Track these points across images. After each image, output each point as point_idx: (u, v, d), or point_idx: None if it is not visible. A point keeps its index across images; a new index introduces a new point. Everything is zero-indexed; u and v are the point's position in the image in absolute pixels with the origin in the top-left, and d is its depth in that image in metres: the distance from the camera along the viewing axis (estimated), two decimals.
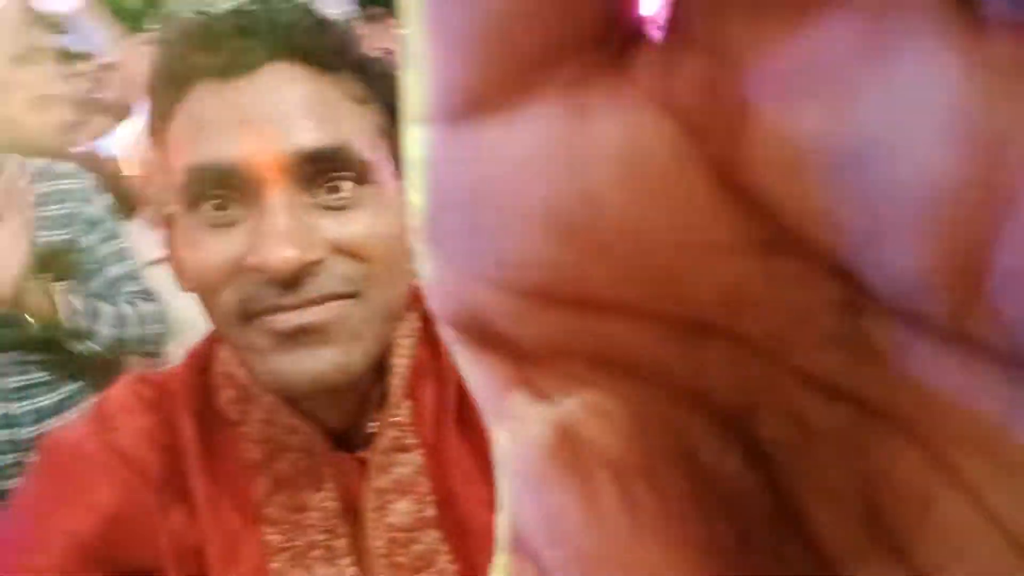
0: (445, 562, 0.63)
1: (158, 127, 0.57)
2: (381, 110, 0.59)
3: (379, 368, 0.62)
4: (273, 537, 0.62)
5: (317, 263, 0.53)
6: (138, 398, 0.64)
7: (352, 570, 0.63)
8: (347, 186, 0.55)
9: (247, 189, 0.53)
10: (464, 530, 0.64)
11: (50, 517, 0.58)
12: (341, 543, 0.63)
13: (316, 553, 0.62)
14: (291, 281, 0.52)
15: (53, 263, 1.40)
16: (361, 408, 0.63)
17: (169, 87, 0.56)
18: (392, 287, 0.58)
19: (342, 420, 0.62)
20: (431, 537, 0.64)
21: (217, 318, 0.56)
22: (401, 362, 0.64)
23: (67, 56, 1.90)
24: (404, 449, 0.64)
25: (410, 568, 0.63)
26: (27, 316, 1.32)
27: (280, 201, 0.52)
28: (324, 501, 0.63)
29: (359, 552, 0.63)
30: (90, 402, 0.67)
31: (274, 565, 0.62)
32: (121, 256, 1.50)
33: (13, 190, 1.35)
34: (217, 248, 0.54)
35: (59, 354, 1.41)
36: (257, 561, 0.61)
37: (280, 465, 0.63)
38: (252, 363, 0.56)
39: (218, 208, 0.54)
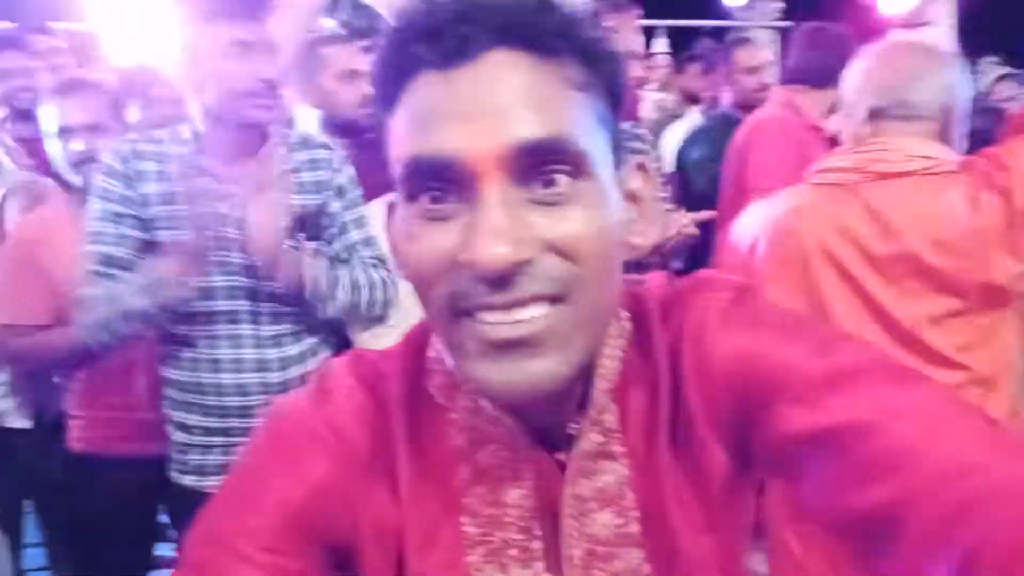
0: None
1: (384, 117, 0.58)
2: (602, 95, 0.57)
3: (585, 367, 0.60)
4: (470, 529, 0.62)
5: (528, 262, 0.52)
6: (356, 377, 0.65)
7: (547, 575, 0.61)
8: (563, 180, 0.53)
9: (463, 182, 0.52)
10: (671, 553, 0.61)
11: (267, 483, 0.61)
12: (537, 546, 0.62)
13: (512, 553, 0.62)
14: (501, 279, 0.51)
15: (305, 224, 1.57)
16: (563, 407, 0.61)
17: (393, 77, 0.56)
18: (602, 289, 0.56)
19: (544, 418, 0.61)
20: (633, 556, 0.62)
21: (430, 310, 0.56)
22: (608, 363, 0.62)
23: (360, 33, 2.13)
24: (608, 456, 0.62)
25: None
26: (280, 278, 1.48)
27: (495, 196, 0.52)
28: (522, 499, 0.62)
29: (555, 558, 0.62)
30: (314, 375, 0.68)
31: (469, 558, 0.61)
32: (360, 223, 1.66)
33: (279, 163, 1.54)
34: (432, 241, 0.54)
35: (306, 308, 1.58)
36: (453, 551, 0.61)
37: (482, 456, 0.63)
38: (460, 364, 0.56)
39: (435, 200, 0.54)
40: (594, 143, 0.55)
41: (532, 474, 0.62)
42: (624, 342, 0.64)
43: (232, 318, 1.57)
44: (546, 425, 0.62)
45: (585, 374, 0.61)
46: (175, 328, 1.58)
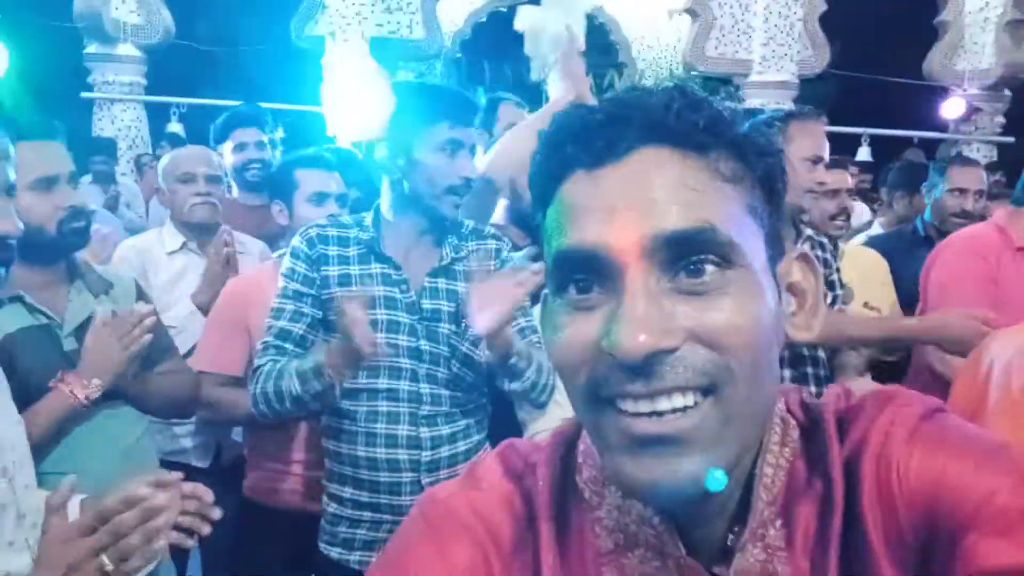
0: None
1: (539, 217, 0.60)
2: (755, 188, 0.57)
3: (745, 473, 0.58)
4: None
5: (671, 351, 0.51)
6: (505, 465, 0.66)
7: None
8: (710, 269, 0.52)
9: (608, 273, 0.53)
10: None
11: (413, 565, 0.62)
12: None
13: None
14: (642, 367, 0.50)
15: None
16: (718, 515, 0.58)
17: (547, 178, 0.58)
18: (754, 383, 0.53)
19: (698, 526, 0.59)
20: None
21: (574, 400, 0.56)
22: (770, 472, 0.59)
23: None
24: (771, 575, 0.58)
25: None
26: (494, 349, 1.56)
27: (638, 285, 0.52)
28: None
29: None
30: (469, 462, 0.70)
31: None
32: (525, 311, 1.72)
33: (451, 252, 1.68)
34: (577, 330, 0.54)
35: (462, 391, 1.68)
36: None
37: (629, 561, 0.60)
38: (605, 457, 0.56)
39: (581, 291, 0.55)
40: (744, 234, 0.54)
41: None
42: (791, 452, 0.61)
43: (393, 396, 1.64)
44: (701, 534, 0.59)
45: (745, 481, 0.58)
46: (339, 401, 1.66)
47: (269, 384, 1.60)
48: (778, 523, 0.59)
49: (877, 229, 3.60)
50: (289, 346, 1.64)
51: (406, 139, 1.65)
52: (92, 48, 6.89)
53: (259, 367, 1.64)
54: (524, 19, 2.16)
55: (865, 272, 2.74)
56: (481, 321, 1.52)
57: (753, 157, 0.57)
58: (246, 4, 8.16)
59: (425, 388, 1.65)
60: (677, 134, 0.54)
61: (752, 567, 0.58)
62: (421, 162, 1.63)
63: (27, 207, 1.55)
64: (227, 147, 2.91)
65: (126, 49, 7.00)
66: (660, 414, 0.51)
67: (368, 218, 1.74)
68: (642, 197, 0.53)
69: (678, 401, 0.51)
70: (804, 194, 2.16)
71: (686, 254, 0.52)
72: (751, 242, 0.55)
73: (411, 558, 0.62)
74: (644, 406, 0.51)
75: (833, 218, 2.74)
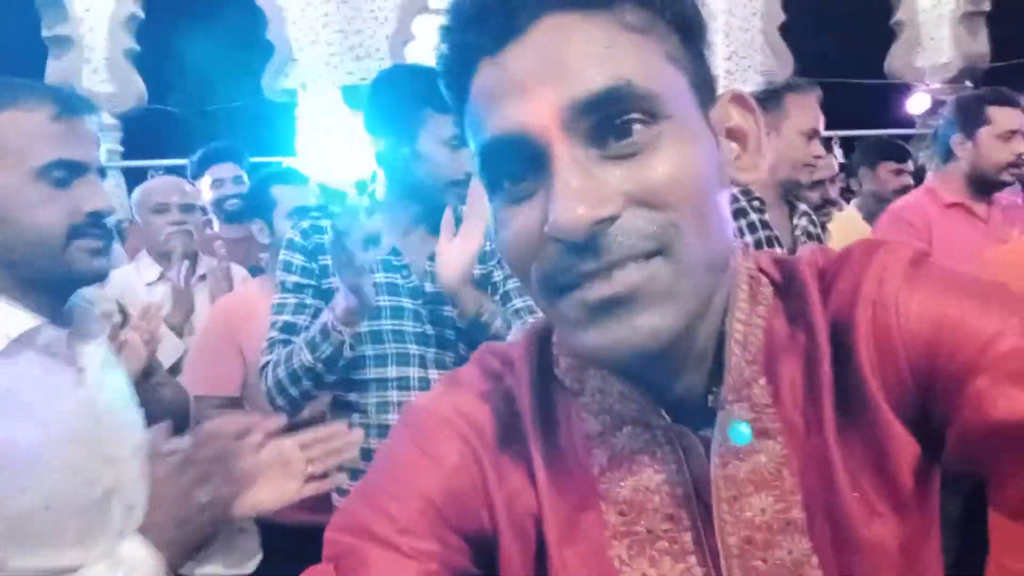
0: None
1: (460, 117, 0.57)
2: (670, 33, 0.54)
3: (716, 332, 0.57)
4: (611, 517, 0.58)
5: (612, 220, 0.49)
6: (482, 367, 0.66)
7: (701, 571, 0.56)
8: (637, 128, 0.50)
9: (535, 156, 0.51)
10: (843, 541, 0.55)
11: (403, 471, 0.61)
12: (687, 537, 0.57)
13: (660, 545, 0.57)
14: (587, 244, 0.49)
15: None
16: (698, 376, 0.58)
17: (455, 75, 0.56)
18: (704, 234, 0.52)
19: (676, 387, 0.58)
20: (798, 545, 0.56)
21: (531, 292, 0.55)
22: (742, 329, 0.58)
23: None
24: (762, 434, 0.57)
25: None
26: (460, 311, 1.57)
27: (566, 160, 0.50)
28: (665, 483, 0.58)
29: (709, 548, 0.57)
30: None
31: (613, 550, 0.58)
32: (521, 292, 1.71)
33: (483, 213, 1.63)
34: (517, 224, 0.53)
35: (471, 337, 1.66)
36: (596, 542, 0.58)
37: (618, 439, 0.60)
38: (567, 336, 0.55)
39: (514, 183, 0.53)
40: (666, 83, 0.52)
41: (674, 455, 0.58)
42: (765, 310, 0.59)
43: (403, 384, 1.63)
44: (683, 400, 0.58)
45: (717, 339, 0.57)
46: (347, 396, 1.65)
47: (280, 370, 1.57)
48: (762, 380, 0.58)
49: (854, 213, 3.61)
50: (295, 339, 1.62)
51: (410, 129, 1.62)
52: None
53: (267, 362, 1.62)
54: None
55: (850, 236, 2.77)
56: (449, 275, 1.51)
57: (660, 2, 0.54)
58: (217, 64, 8.27)
59: (434, 374, 1.64)
60: None
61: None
62: (425, 155, 1.61)
63: None
64: (204, 183, 2.93)
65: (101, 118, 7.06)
66: (614, 278, 0.50)
67: (364, 201, 1.74)
68: (551, 68, 0.50)
69: (633, 275, 0.50)
70: (801, 167, 2.13)
71: (608, 116, 0.50)
72: (675, 91, 0.53)
73: (400, 465, 0.61)
74: (601, 288, 0.51)
75: (817, 209, 2.72)
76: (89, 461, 1.08)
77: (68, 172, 1.04)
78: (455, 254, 1.52)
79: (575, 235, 0.48)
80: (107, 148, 7.12)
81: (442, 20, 0.56)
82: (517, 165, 0.52)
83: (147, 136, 7.44)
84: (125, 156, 7.28)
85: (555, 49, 0.51)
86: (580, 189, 0.49)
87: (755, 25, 7.55)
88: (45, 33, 6.63)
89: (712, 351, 0.58)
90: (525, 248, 0.53)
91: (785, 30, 7.48)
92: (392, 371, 1.63)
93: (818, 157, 2.17)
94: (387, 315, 1.62)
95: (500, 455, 0.61)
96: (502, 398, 0.64)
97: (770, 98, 2.15)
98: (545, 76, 0.50)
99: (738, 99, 0.59)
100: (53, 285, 1.07)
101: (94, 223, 1.06)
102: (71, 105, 1.07)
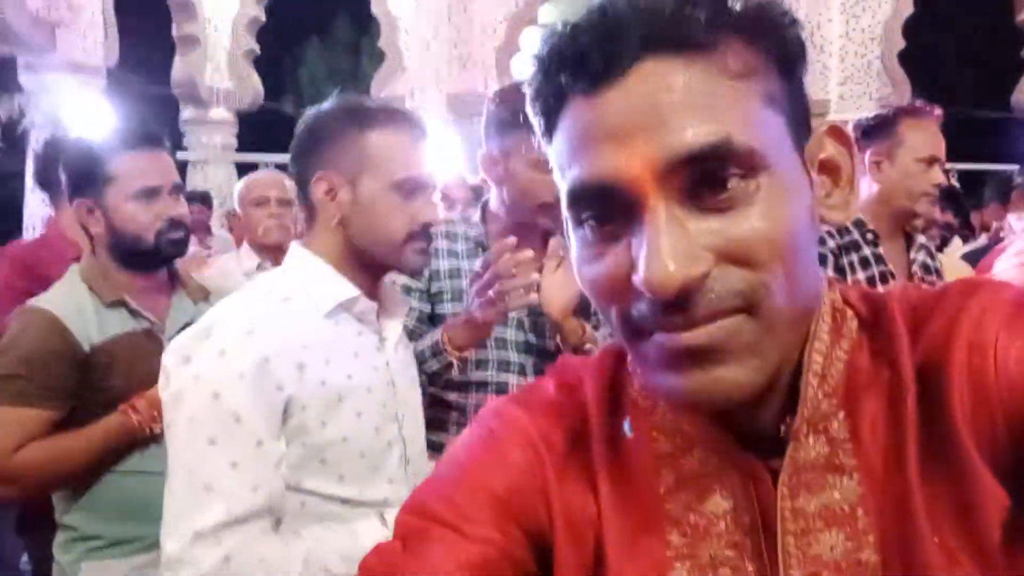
0: None
1: (547, 149, 0.57)
2: (769, 71, 0.52)
3: (794, 365, 0.55)
4: (674, 539, 0.57)
5: (703, 278, 0.48)
6: (557, 380, 0.66)
7: None
8: (733, 182, 0.49)
9: (626, 203, 0.50)
10: None
11: (472, 468, 0.62)
12: (751, 568, 0.55)
13: (723, 573, 0.56)
14: (676, 301, 0.48)
15: (578, 311, 1.66)
16: (771, 409, 0.56)
17: (544, 108, 0.55)
18: (793, 291, 0.50)
19: (751, 420, 0.56)
20: None
21: (612, 326, 0.54)
22: (819, 359, 0.56)
23: None
24: (836, 470, 0.55)
25: None
26: (562, 337, 1.63)
27: (658, 214, 0.48)
28: (732, 511, 0.56)
29: None
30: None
31: (675, 574, 0.56)
32: None
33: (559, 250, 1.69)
34: (603, 265, 0.52)
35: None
36: (658, 562, 0.57)
37: (686, 461, 0.59)
38: (645, 375, 0.54)
39: (601, 224, 0.52)
40: (765, 133, 0.50)
41: (742, 482, 0.57)
42: (849, 344, 0.57)
43: (503, 390, 1.64)
44: (755, 429, 0.57)
45: (794, 371, 0.55)
46: (447, 395, 1.66)
47: None
48: (840, 415, 0.56)
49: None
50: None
51: (504, 148, 1.64)
52: (187, 112, 7.31)
53: None
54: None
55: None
56: (553, 307, 1.53)
57: (766, 39, 0.51)
58: (329, 69, 8.55)
59: (518, 358, 1.65)
60: (678, 38, 0.49)
61: (816, 460, 0.55)
62: (516, 175, 1.62)
63: (129, 215, 1.63)
64: None
65: (218, 113, 7.41)
66: (701, 332, 0.49)
67: (476, 215, 1.76)
68: (649, 118, 0.48)
69: (718, 330, 0.49)
70: (919, 197, 1.99)
71: (705, 171, 0.48)
72: (773, 139, 0.50)
73: (469, 460, 0.63)
74: (684, 339, 0.49)
75: (925, 230, 2.62)
76: (379, 413, 1.27)
77: (414, 187, 1.25)
78: (557, 288, 1.54)
79: (665, 294, 0.47)
80: (222, 142, 7.47)
81: (538, 47, 0.55)
82: (606, 209, 0.51)
83: (259, 132, 7.77)
84: (238, 150, 7.61)
85: (654, 97, 0.49)
86: (672, 246, 0.47)
87: (872, 51, 7.31)
88: (175, 32, 7.01)
89: (788, 382, 0.56)
90: (609, 291, 0.52)
91: (904, 57, 7.21)
92: (492, 376, 1.64)
93: (937, 186, 2.02)
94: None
95: (565, 464, 0.61)
96: (574, 410, 0.64)
97: (883, 124, 2.03)
98: (643, 125, 0.49)
99: (834, 132, 0.57)
100: (380, 270, 1.30)
101: (425, 231, 1.28)
102: (424, 131, 1.29)
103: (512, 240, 1.44)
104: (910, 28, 7.22)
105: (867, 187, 2.06)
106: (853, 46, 7.26)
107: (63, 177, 1.72)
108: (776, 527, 0.55)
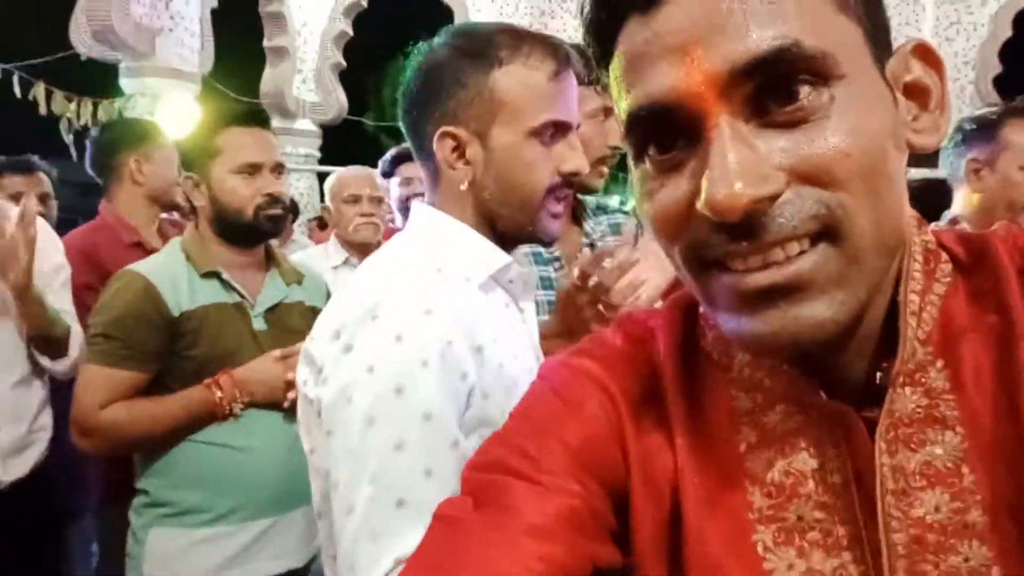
0: None
1: (603, 75, 0.53)
2: None
3: (887, 304, 0.52)
4: (757, 499, 0.54)
5: (774, 198, 0.44)
6: (624, 332, 0.63)
7: (857, 570, 0.51)
8: (804, 91, 0.45)
9: (688, 124, 0.46)
10: None
11: (546, 421, 0.58)
12: (843, 531, 0.52)
13: (812, 536, 0.52)
14: (744, 225, 0.44)
15: None
16: (862, 353, 0.52)
17: (601, 35, 0.52)
18: (877, 212, 0.46)
19: (840, 366, 0.53)
20: (976, 552, 0.49)
21: (677, 265, 0.51)
22: (916, 299, 0.52)
23: None
24: (938, 423, 0.51)
25: None
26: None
27: (724, 130, 0.45)
28: (822, 469, 0.53)
29: (868, 545, 0.51)
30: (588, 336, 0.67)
31: (758, 536, 0.53)
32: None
33: (589, 230, 1.58)
34: (666, 195, 0.49)
35: None
36: (739, 523, 0.53)
37: (769, 418, 0.55)
38: (717, 318, 0.50)
39: (662, 151, 0.48)
40: (839, 39, 0.46)
41: (832, 438, 0.52)
42: (943, 288, 0.53)
43: None
44: (845, 376, 0.52)
45: (888, 311, 0.51)
46: None
47: None
48: (939, 363, 0.51)
49: None
50: None
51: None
52: (274, 122, 7.53)
53: None
54: None
55: None
56: (649, 294, 1.39)
57: None
58: None
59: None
60: None
61: (914, 413, 0.51)
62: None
63: (230, 190, 1.68)
64: (394, 182, 3.08)
65: (303, 124, 7.63)
66: (773, 264, 0.46)
67: None
68: (707, 27, 0.45)
69: (793, 248, 0.45)
70: (1021, 210, 1.82)
71: (773, 80, 0.45)
72: (848, 46, 0.46)
73: (539, 412, 0.59)
74: (755, 261, 0.46)
75: None
76: None
77: (556, 132, 1.04)
78: (651, 277, 1.38)
79: (732, 215, 0.44)
80: (306, 152, 7.68)
81: None
82: (667, 133, 0.48)
83: (341, 145, 7.96)
84: (320, 161, 7.81)
85: (712, 6, 0.45)
86: (739, 164, 0.44)
87: (966, 75, 7.06)
88: (265, 43, 7.27)
89: (881, 324, 0.52)
90: (674, 222, 0.49)
91: (1000, 83, 6.94)
92: None
93: None
94: (542, 311, 1.53)
95: (640, 414, 0.58)
96: (644, 362, 0.60)
97: (985, 127, 1.86)
98: (701, 36, 0.45)
99: (921, 51, 0.52)
100: (517, 241, 1.11)
101: (567, 183, 1.07)
102: (564, 59, 1.05)
103: (612, 247, 1.32)
104: (1007, 52, 6.96)
105: (967, 198, 1.91)
106: (948, 69, 7.04)
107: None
108: (870, 486, 0.51)
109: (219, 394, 1.60)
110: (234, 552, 1.61)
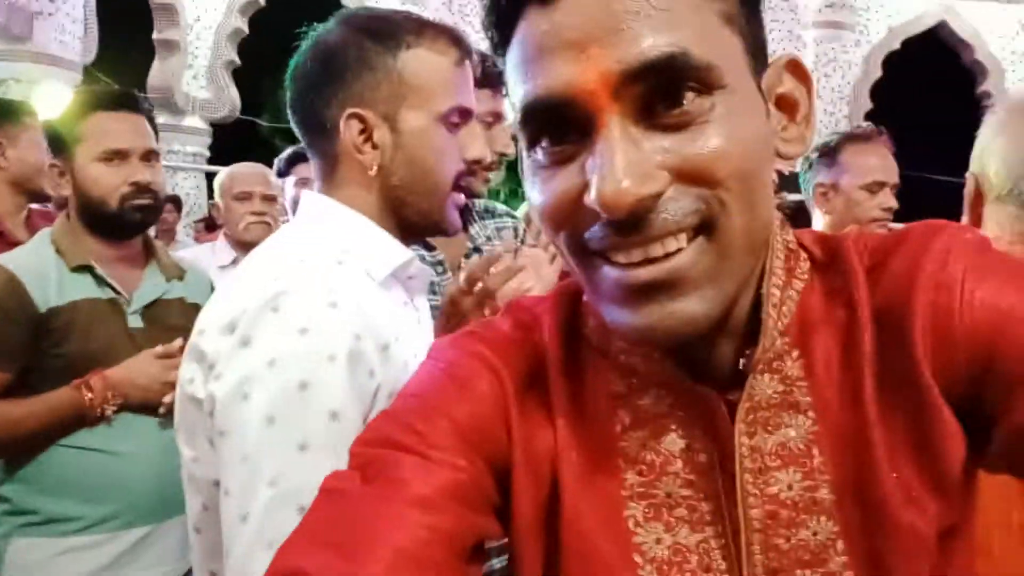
0: (839, 563, 0.52)
1: (502, 66, 0.55)
2: None
3: (751, 298, 0.55)
4: (629, 477, 0.56)
5: (657, 196, 0.47)
6: (513, 318, 0.65)
7: (719, 543, 0.54)
8: (689, 96, 0.47)
9: (578, 119, 0.48)
10: (874, 527, 0.52)
11: (433, 396, 0.60)
12: (707, 507, 0.55)
13: (679, 512, 0.55)
14: (629, 220, 0.47)
15: None
16: (729, 342, 0.56)
17: (500, 21, 0.53)
18: (749, 212, 0.49)
19: (708, 354, 0.56)
20: (824, 527, 0.53)
21: (563, 252, 0.53)
22: (777, 292, 0.56)
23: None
24: (791, 408, 0.55)
25: (792, 557, 0.53)
26: None
27: (613, 130, 0.47)
28: (689, 449, 0.56)
29: (728, 521, 0.54)
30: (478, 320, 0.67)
31: (630, 512, 0.56)
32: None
33: (479, 232, 1.55)
34: (556, 185, 0.50)
35: None
36: (612, 500, 0.56)
37: (643, 401, 0.58)
38: (599, 307, 0.53)
39: (554, 142, 0.50)
40: (723, 50, 0.49)
41: (699, 420, 0.56)
42: (801, 284, 0.57)
43: None
44: (712, 363, 0.56)
45: (749, 303, 0.55)
46: None
47: None
48: (794, 353, 0.56)
49: None
50: None
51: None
52: (161, 118, 7.25)
53: None
54: None
55: None
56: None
57: None
58: None
59: None
60: None
61: (771, 398, 0.55)
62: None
63: (93, 178, 1.58)
64: (289, 181, 3.00)
65: (193, 121, 7.36)
66: (653, 260, 0.48)
67: None
68: (604, 28, 0.47)
69: (671, 244, 0.48)
70: (867, 225, 1.93)
71: (661, 86, 0.47)
72: (731, 58, 0.49)
73: (428, 390, 0.61)
74: (637, 255, 0.48)
75: None
76: None
77: (460, 119, 1.02)
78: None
79: (618, 212, 0.46)
80: (194, 151, 7.40)
81: None
82: (560, 126, 0.49)
83: (233, 144, 7.71)
84: (210, 160, 7.55)
85: (610, 8, 0.47)
86: (626, 163, 0.46)
87: (841, 110, 7.54)
88: (155, 36, 6.98)
89: (747, 316, 0.55)
90: (562, 212, 0.50)
91: (871, 118, 7.45)
92: None
93: (888, 209, 1.96)
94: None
95: (525, 396, 0.60)
96: (531, 346, 0.62)
97: (826, 153, 1.99)
98: (598, 35, 0.47)
99: (793, 66, 0.55)
100: (421, 232, 1.07)
101: (470, 172, 1.04)
102: (467, 48, 1.04)
103: (498, 252, 1.32)
104: (877, 91, 7.47)
105: (818, 221, 2.04)
106: (823, 104, 7.48)
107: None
108: (732, 466, 0.54)
109: (89, 395, 1.50)
110: (106, 562, 1.51)
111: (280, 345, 0.84)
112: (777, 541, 0.53)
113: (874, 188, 1.95)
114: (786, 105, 0.55)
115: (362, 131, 0.99)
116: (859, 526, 0.52)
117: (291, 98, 1.04)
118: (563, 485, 0.57)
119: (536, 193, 0.52)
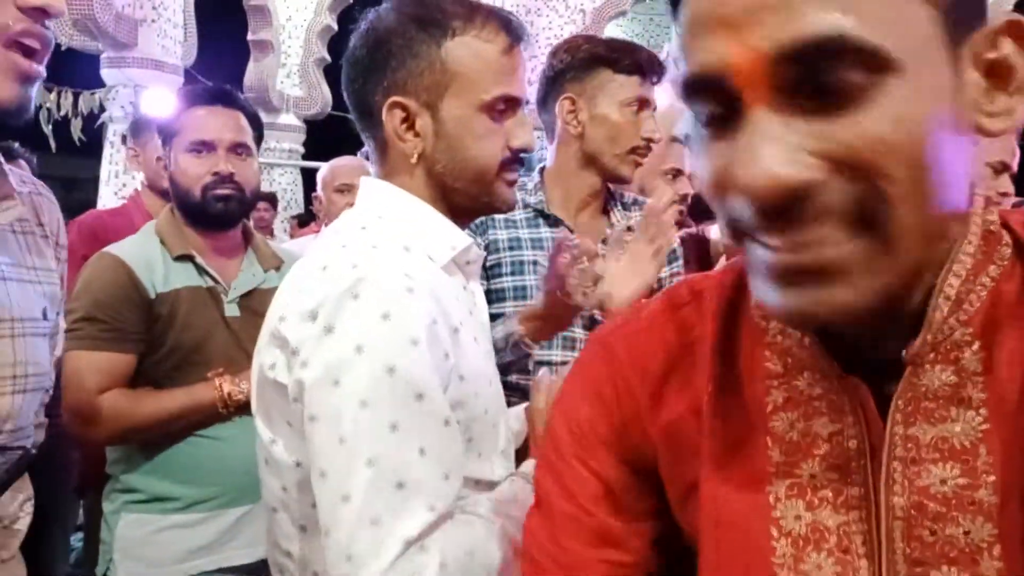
0: (992, 568, 0.49)
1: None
2: None
3: (927, 287, 0.51)
4: (775, 454, 0.56)
5: (807, 187, 0.43)
6: (668, 298, 0.67)
7: (860, 527, 0.53)
8: (849, 79, 0.43)
9: (732, 98, 0.46)
10: None
11: (562, 400, 0.70)
12: (853, 492, 0.53)
13: (823, 494, 0.54)
14: (775, 209, 0.44)
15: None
16: (896, 333, 0.52)
17: None
18: (921, 205, 0.44)
19: (868, 343, 0.54)
20: (980, 529, 0.49)
21: (720, 228, 0.54)
22: (955, 283, 0.51)
23: None
24: (962, 402, 0.51)
25: (936, 551, 0.50)
26: None
27: (758, 113, 0.45)
28: (839, 434, 0.54)
29: (873, 507, 0.52)
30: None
31: (772, 488, 0.55)
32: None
33: (621, 222, 1.57)
34: (708, 162, 0.49)
35: None
36: (756, 475, 0.56)
37: (796, 381, 0.57)
38: (752, 282, 0.51)
39: (711, 119, 0.49)
40: (901, 28, 0.43)
41: (852, 407, 0.53)
42: (998, 271, 0.52)
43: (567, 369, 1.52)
44: (873, 352, 0.53)
45: (925, 291, 0.51)
46: (508, 377, 1.51)
47: None
48: (975, 346, 0.51)
49: None
50: None
51: (591, 92, 1.53)
52: None
53: None
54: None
55: None
56: (615, 301, 1.36)
57: None
58: None
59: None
60: None
61: (940, 389, 0.51)
62: (602, 118, 1.53)
63: (182, 170, 1.65)
64: None
65: (287, 119, 7.60)
66: (800, 247, 0.45)
67: (531, 181, 1.63)
68: (763, 4, 0.44)
69: (820, 234, 0.44)
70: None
71: (818, 67, 0.43)
72: (910, 34, 0.44)
73: (565, 388, 0.70)
74: (783, 241, 0.46)
75: None
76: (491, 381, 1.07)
77: (507, 107, 1.03)
78: (621, 280, 1.35)
79: (764, 201, 0.44)
80: (289, 148, 7.65)
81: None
82: (716, 102, 0.47)
83: (326, 140, 7.92)
84: (304, 156, 7.78)
85: None
86: (775, 149, 0.43)
87: None
88: (249, 37, 7.23)
89: (919, 306, 0.51)
90: (714, 188, 0.49)
91: None
92: (557, 355, 1.54)
93: (1005, 195, 1.82)
94: (531, 270, 1.51)
95: (662, 389, 0.63)
96: (675, 328, 0.65)
97: None
98: (757, 11, 0.44)
99: (1016, 28, 0.48)
100: (469, 213, 1.09)
101: (517, 159, 1.06)
102: (518, 33, 1.03)
103: (570, 238, 1.32)
104: None
105: None
106: None
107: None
108: (882, 454, 0.52)
109: (227, 388, 1.58)
110: (205, 540, 1.59)
111: (365, 331, 0.86)
112: (921, 532, 0.51)
113: (999, 168, 1.81)
114: (998, 72, 0.48)
115: (404, 119, 1.00)
116: (1021, 535, 0.48)
117: (343, 83, 1.06)
118: (706, 458, 0.59)
119: (697, 163, 0.51)
